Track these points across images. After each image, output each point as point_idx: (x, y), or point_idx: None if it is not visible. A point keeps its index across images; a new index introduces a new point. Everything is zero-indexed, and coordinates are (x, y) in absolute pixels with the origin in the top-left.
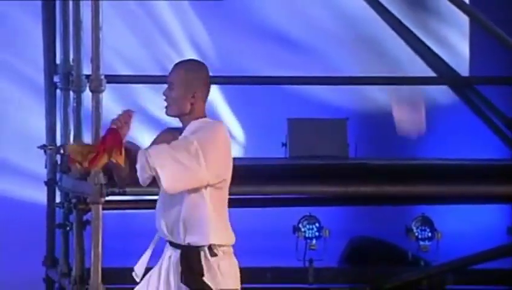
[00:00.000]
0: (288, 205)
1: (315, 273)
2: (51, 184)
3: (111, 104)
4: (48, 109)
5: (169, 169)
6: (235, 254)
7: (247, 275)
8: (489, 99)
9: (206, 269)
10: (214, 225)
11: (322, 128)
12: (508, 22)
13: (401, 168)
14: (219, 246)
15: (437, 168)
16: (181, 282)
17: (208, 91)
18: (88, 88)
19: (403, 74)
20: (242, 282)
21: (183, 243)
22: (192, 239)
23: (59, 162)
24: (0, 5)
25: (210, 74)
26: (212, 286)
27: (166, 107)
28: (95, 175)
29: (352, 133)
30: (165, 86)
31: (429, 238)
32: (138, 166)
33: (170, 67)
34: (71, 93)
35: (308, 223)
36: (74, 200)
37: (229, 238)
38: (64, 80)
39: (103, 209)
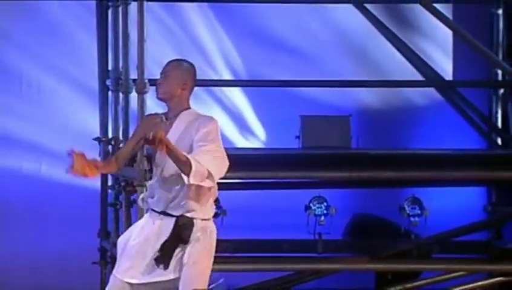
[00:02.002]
0: (301, 187)
1: (323, 245)
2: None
3: (153, 104)
4: (101, 108)
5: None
6: (259, 229)
7: (267, 245)
8: (469, 99)
9: (200, 231)
10: (206, 206)
11: (329, 123)
12: (484, 33)
13: (395, 156)
14: (207, 219)
15: (425, 156)
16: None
17: (194, 85)
18: (134, 90)
19: (397, 78)
20: (263, 251)
21: (178, 215)
22: (190, 214)
23: (110, 151)
24: (62, 24)
25: (234, 78)
26: (205, 243)
27: (158, 91)
28: (141, 162)
29: (354, 127)
30: (195, 88)
31: (419, 215)
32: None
33: (200, 72)
34: (120, 94)
35: (317, 203)
36: (123, 183)
37: (212, 212)
38: (115, 83)
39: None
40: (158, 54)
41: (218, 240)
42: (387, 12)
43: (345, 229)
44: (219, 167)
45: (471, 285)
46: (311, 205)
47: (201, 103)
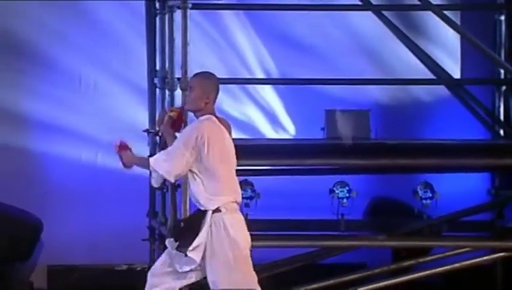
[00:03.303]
0: (326, 173)
1: (345, 224)
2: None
3: None
4: (149, 104)
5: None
6: (289, 210)
7: (296, 225)
8: (475, 95)
9: (212, 224)
10: (209, 193)
11: (351, 116)
12: (488, 36)
13: (409, 146)
14: (222, 205)
15: (436, 145)
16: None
17: (217, 95)
18: (178, 88)
19: (410, 77)
20: (294, 230)
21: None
22: (201, 207)
23: (157, 142)
24: (115, 29)
25: (266, 77)
26: (217, 237)
27: (186, 103)
28: None
29: (373, 120)
30: (232, 86)
31: (430, 198)
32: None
33: (235, 72)
34: (167, 91)
35: (340, 187)
36: None
37: (229, 198)
38: (161, 81)
39: None
40: (199, 56)
41: (252, 220)
42: (402, 19)
43: (365, 210)
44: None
45: (476, 260)
46: (334, 188)
47: (236, 100)
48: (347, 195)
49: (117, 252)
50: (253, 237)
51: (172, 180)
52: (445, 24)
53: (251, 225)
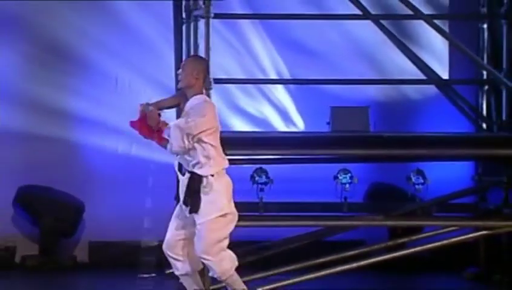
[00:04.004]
0: (331, 162)
1: (347, 206)
2: None
3: (217, 97)
4: None
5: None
6: (298, 194)
7: (305, 206)
8: (461, 94)
9: (204, 186)
10: (211, 162)
11: (353, 112)
12: (473, 42)
13: (404, 138)
14: (213, 173)
15: (427, 137)
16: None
17: (205, 75)
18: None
19: (404, 77)
20: (303, 211)
21: (192, 171)
22: (198, 171)
23: None
24: (147, 37)
25: (278, 77)
26: (206, 198)
27: (179, 81)
28: None
29: (372, 115)
30: (248, 86)
31: (422, 183)
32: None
33: (251, 73)
34: None
35: (343, 174)
36: None
37: (220, 165)
38: None
39: None
40: (220, 59)
41: (266, 203)
42: (397, 26)
43: (365, 194)
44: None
45: (462, 237)
46: (338, 175)
47: (252, 98)
48: (349, 181)
49: (149, 230)
50: (268, 218)
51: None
52: (435, 31)
53: (266, 207)
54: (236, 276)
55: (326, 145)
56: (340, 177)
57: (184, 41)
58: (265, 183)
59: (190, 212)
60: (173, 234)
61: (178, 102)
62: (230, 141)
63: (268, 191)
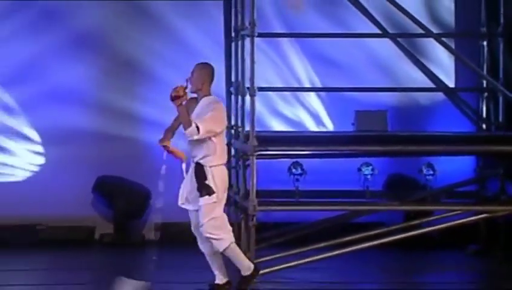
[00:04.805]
0: (355, 156)
1: (369, 193)
2: (229, 145)
3: (259, 104)
4: (227, 106)
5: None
6: (328, 183)
7: (333, 194)
8: (464, 99)
9: (209, 175)
10: (213, 157)
11: (373, 115)
12: (474, 56)
13: (416, 136)
14: (214, 165)
15: (436, 136)
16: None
17: (212, 79)
18: (248, 94)
19: (417, 86)
20: (332, 197)
21: (197, 162)
22: (202, 161)
23: (233, 133)
24: (202, 53)
25: (311, 86)
26: (210, 184)
27: (189, 86)
28: (252, 140)
29: (389, 118)
30: (286, 93)
31: (432, 175)
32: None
33: (289, 83)
34: (239, 97)
35: (366, 166)
36: (241, 153)
37: (219, 161)
38: (235, 90)
39: (257, 158)
40: (262, 71)
41: (301, 191)
42: (410, 43)
43: (384, 183)
44: (207, 125)
45: (465, 219)
46: (361, 167)
47: (289, 104)
48: (371, 172)
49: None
50: (302, 203)
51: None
52: (443, 47)
53: (300, 194)
54: (237, 250)
55: (351, 142)
56: (363, 169)
57: (233, 56)
58: (300, 175)
59: (200, 196)
60: (193, 222)
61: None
62: (271, 139)
63: (302, 181)
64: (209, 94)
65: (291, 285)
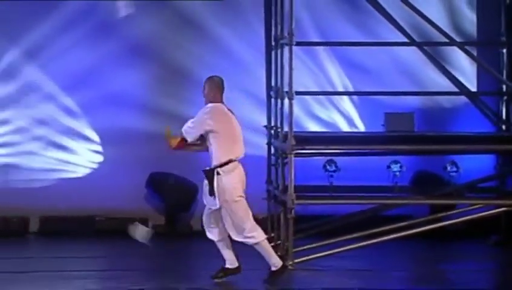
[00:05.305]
0: (385, 154)
1: (398, 189)
2: (269, 144)
3: (296, 106)
4: (267, 108)
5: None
6: (360, 179)
7: (365, 189)
8: (486, 102)
9: (215, 177)
10: (214, 159)
11: (401, 116)
12: (494, 62)
13: (441, 136)
14: (220, 166)
15: (459, 136)
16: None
17: (219, 88)
18: (286, 97)
19: (441, 90)
20: (363, 192)
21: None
22: (211, 166)
23: (272, 133)
24: (244, 61)
25: (344, 90)
26: (216, 191)
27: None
28: (290, 140)
29: (416, 119)
30: (321, 97)
31: (455, 171)
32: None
33: (324, 87)
34: (278, 100)
35: (394, 164)
36: (280, 152)
37: (220, 161)
38: (275, 93)
39: (294, 156)
40: (300, 76)
41: (335, 186)
42: (436, 50)
43: (411, 179)
44: (188, 131)
45: (487, 213)
46: (391, 165)
47: (324, 107)
48: (399, 169)
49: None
50: (336, 197)
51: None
52: (464, 54)
53: (335, 189)
54: (267, 245)
55: (381, 142)
56: (392, 167)
57: (273, 63)
58: (334, 171)
59: (210, 194)
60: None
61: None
62: (307, 139)
63: (336, 177)
64: (213, 102)
65: (325, 272)
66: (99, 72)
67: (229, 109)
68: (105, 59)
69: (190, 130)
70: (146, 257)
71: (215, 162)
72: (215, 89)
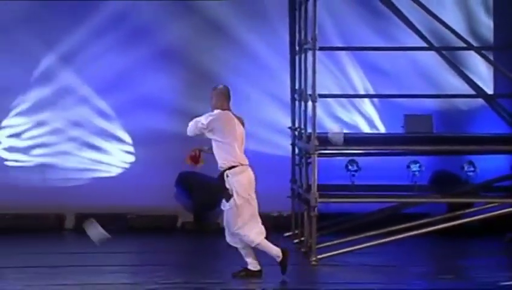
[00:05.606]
0: (405, 155)
1: (417, 188)
2: (293, 145)
3: (320, 108)
4: (292, 111)
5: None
6: (380, 178)
7: (385, 188)
8: (503, 105)
9: (226, 182)
10: (226, 159)
11: (420, 118)
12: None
13: (459, 137)
14: (229, 168)
15: (475, 137)
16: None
17: (224, 96)
18: (310, 100)
19: (459, 92)
20: (384, 191)
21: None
22: (220, 166)
23: (296, 134)
24: (269, 65)
25: (365, 93)
26: (227, 186)
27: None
28: (313, 140)
29: (434, 121)
30: (343, 100)
31: (472, 171)
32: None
33: (346, 90)
34: (302, 103)
35: (414, 163)
36: (303, 152)
37: (235, 163)
38: (299, 96)
39: (318, 156)
40: (322, 80)
41: (357, 185)
42: (454, 55)
43: (430, 179)
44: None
45: (502, 211)
46: (410, 165)
47: (346, 109)
48: (418, 169)
49: (271, 204)
50: (358, 196)
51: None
52: (480, 58)
53: (356, 188)
54: (265, 243)
55: (401, 142)
56: (411, 166)
57: (296, 67)
58: (355, 171)
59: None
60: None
61: None
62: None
63: (358, 177)
64: (219, 109)
65: (347, 268)
66: (131, 76)
67: (237, 117)
68: (137, 64)
69: (191, 127)
70: (175, 252)
71: (221, 167)
72: (222, 97)
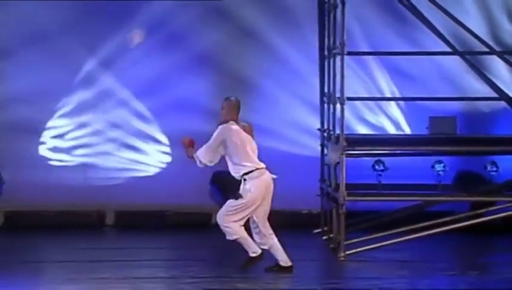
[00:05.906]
0: (429, 155)
1: (441, 187)
2: (322, 146)
3: (347, 111)
4: (320, 113)
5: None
6: (406, 178)
7: (410, 187)
8: None
9: (241, 187)
10: (239, 168)
11: (444, 120)
12: None
13: (482, 138)
14: (245, 174)
15: (498, 138)
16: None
17: (234, 111)
18: (338, 102)
19: (481, 95)
20: (409, 190)
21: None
22: (234, 175)
23: (325, 135)
24: (299, 70)
25: (392, 96)
26: (242, 195)
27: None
28: (342, 141)
29: (458, 123)
30: (370, 102)
31: (495, 171)
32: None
33: (372, 93)
34: (331, 105)
35: (438, 163)
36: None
37: (252, 167)
38: (328, 99)
39: (346, 157)
40: (350, 84)
41: (383, 184)
42: (476, 59)
43: (454, 178)
44: (200, 153)
45: None
46: (434, 165)
47: (373, 112)
48: (442, 169)
49: (301, 202)
50: (384, 195)
51: (208, 164)
52: (504, 62)
53: (383, 187)
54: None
55: (425, 143)
56: (436, 166)
57: (326, 71)
58: (382, 170)
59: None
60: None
61: None
62: (358, 141)
63: (384, 176)
64: (228, 121)
65: (374, 263)
66: (167, 80)
67: (244, 126)
68: (173, 68)
69: (203, 153)
70: (210, 248)
71: (237, 176)
72: (233, 109)
